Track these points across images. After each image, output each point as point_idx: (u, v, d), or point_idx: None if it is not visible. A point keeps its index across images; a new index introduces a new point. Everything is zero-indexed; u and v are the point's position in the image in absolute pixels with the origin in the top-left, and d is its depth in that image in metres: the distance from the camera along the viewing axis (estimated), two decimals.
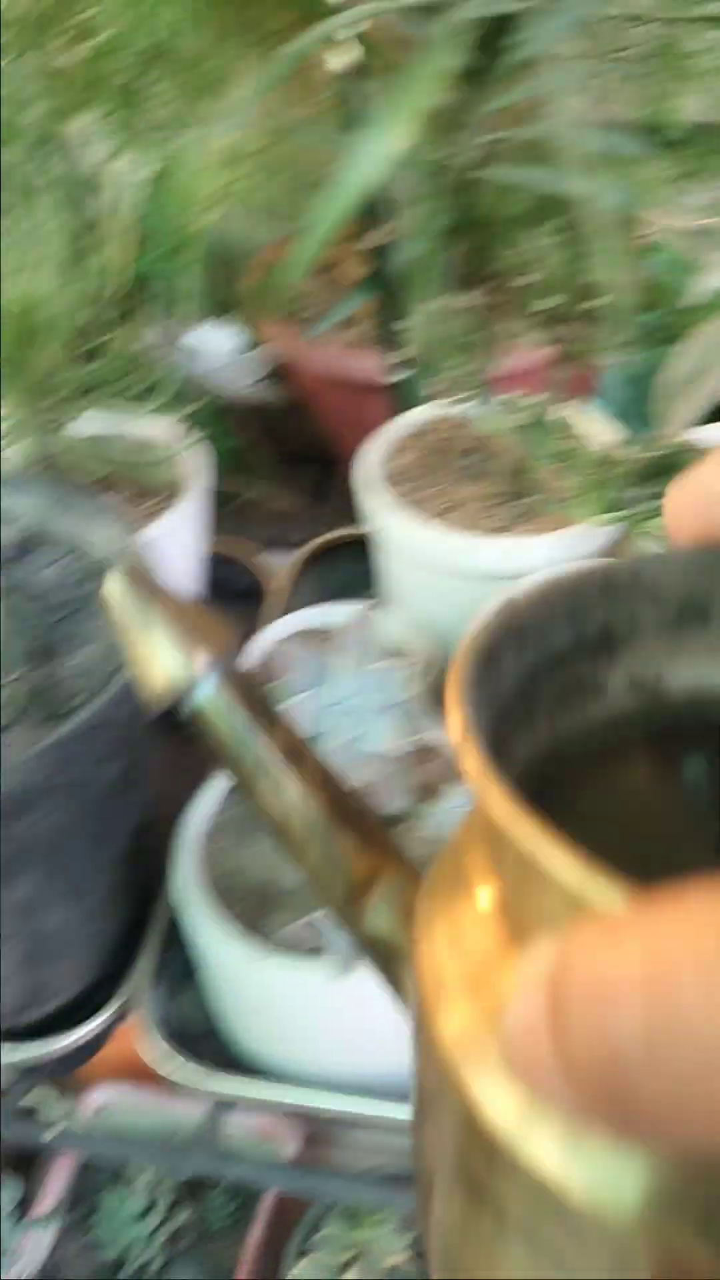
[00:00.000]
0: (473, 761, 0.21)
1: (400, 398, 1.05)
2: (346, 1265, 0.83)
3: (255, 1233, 0.95)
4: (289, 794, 0.31)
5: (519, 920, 0.22)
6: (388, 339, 0.98)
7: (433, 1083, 0.24)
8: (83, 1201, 1.02)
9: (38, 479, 0.67)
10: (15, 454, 0.74)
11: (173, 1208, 0.99)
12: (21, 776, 0.49)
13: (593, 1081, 0.16)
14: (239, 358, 0.75)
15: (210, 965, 0.58)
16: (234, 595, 0.91)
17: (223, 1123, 0.63)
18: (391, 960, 0.31)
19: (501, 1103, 0.21)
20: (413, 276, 0.72)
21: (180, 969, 0.66)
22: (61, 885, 0.57)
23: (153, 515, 0.74)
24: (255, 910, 0.58)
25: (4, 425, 0.68)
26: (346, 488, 0.78)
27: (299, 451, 0.99)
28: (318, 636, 0.75)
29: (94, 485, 0.75)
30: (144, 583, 0.32)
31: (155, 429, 0.77)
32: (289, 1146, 1.01)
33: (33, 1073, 0.64)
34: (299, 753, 0.31)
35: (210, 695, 0.31)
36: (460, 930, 0.24)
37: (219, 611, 0.33)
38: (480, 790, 0.21)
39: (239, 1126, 0.81)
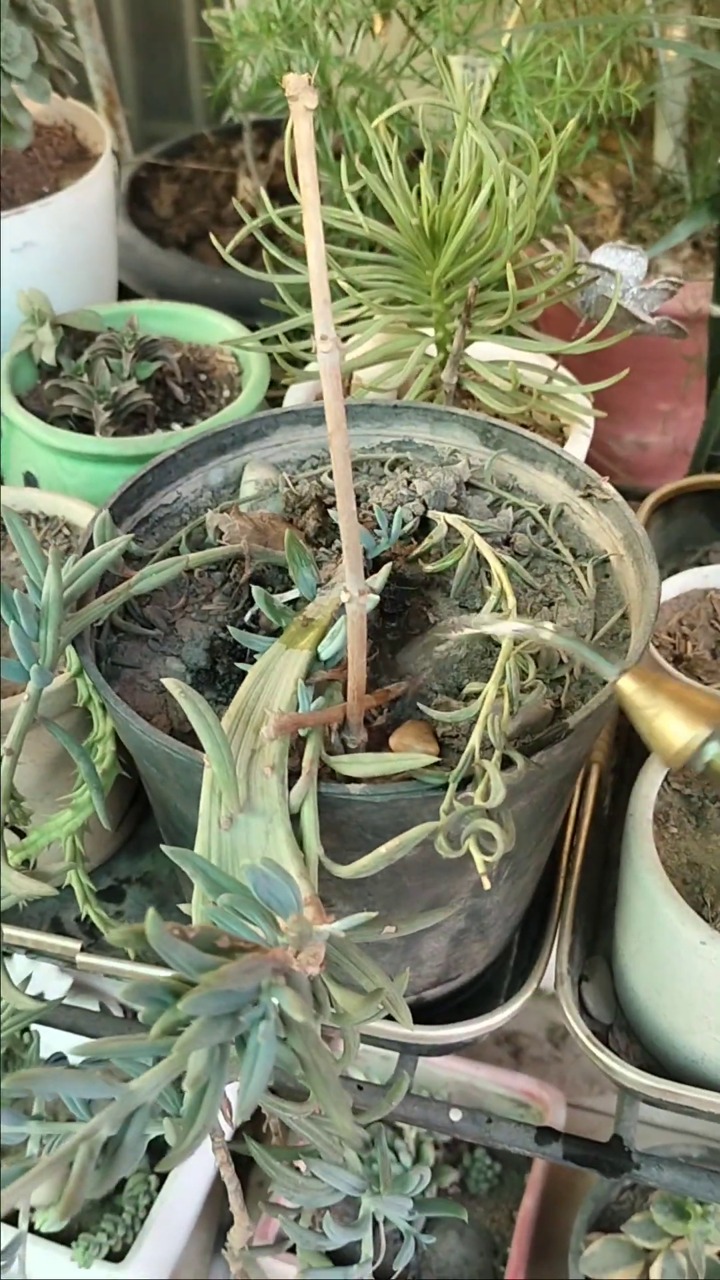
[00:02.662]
0: None
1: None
2: (653, 1252, 0.79)
3: (528, 1202, 0.93)
4: None
5: None
6: None
7: None
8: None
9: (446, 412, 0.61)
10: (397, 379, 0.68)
11: (436, 1166, 0.97)
12: (554, 750, 0.44)
13: None
14: (643, 286, 0.67)
15: (661, 956, 0.54)
16: None
17: (632, 1118, 0.59)
18: None
19: None
20: None
21: (581, 956, 0.62)
22: (510, 866, 0.53)
23: None
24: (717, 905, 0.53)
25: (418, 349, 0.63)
26: None
27: None
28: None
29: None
30: (647, 677, 0.40)
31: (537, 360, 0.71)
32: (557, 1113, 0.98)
33: (423, 1051, 0.61)
34: None
35: (716, 752, 0.39)
36: None
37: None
38: None
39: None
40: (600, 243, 1.14)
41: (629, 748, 0.75)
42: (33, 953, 0.63)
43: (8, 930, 0.60)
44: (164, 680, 0.42)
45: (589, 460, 1.20)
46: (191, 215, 1.37)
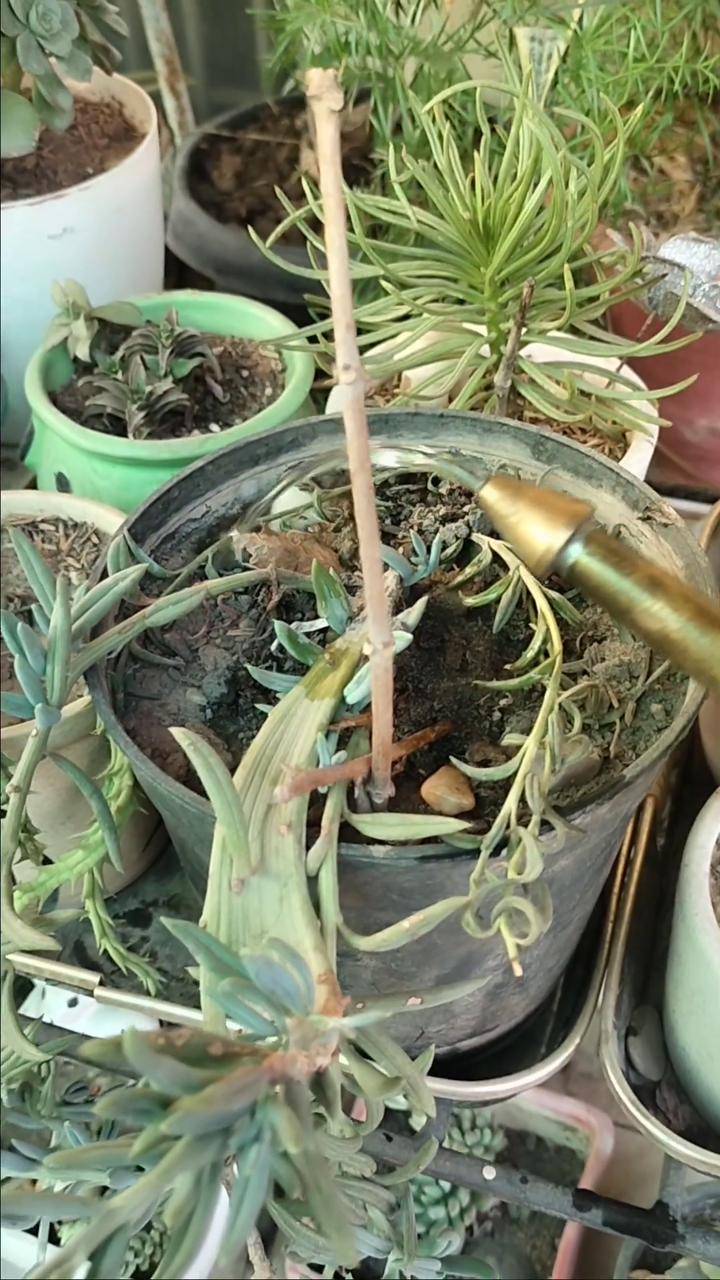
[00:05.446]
0: None
1: None
2: None
3: (570, 1231, 0.89)
4: (661, 611, 0.38)
5: None
6: None
7: None
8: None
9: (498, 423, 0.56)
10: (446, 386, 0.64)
11: (475, 1193, 0.94)
12: (600, 810, 0.40)
13: None
14: (715, 282, 0.62)
15: (715, 1022, 0.50)
16: None
17: (679, 1184, 0.55)
18: None
19: None
20: None
21: (630, 1007, 0.58)
22: (554, 919, 0.49)
23: None
24: None
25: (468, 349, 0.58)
26: None
27: None
28: None
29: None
30: (509, 484, 0.40)
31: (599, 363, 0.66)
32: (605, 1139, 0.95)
33: (456, 1105, 0.57)
34: (661, 581, 0.38)
35: (580, 554, 0.39)
36: None
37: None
38: None
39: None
40: (676, 220, 1.08)
41: (688, 774, 0.70)
42: (52, 982, 0.60)
43: (26, 960, 0.58)
44: (173, 730, 0.39)
45: (656, 449, 1.14)
46: (253, 188, 1.32)
